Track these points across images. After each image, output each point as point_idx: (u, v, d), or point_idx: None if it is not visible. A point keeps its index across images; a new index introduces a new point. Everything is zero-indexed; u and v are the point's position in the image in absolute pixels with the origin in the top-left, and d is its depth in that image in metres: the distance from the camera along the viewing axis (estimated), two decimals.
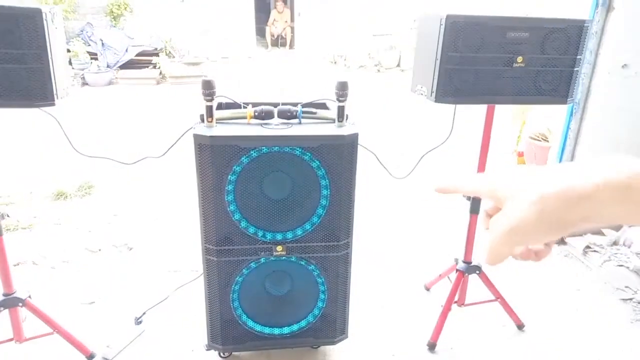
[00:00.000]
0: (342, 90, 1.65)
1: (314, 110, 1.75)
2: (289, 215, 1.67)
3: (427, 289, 2.42)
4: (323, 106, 1.89)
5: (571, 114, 2.68)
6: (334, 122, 1.68)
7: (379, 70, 9.74)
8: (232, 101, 1.90)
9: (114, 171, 3.95)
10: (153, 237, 2.91)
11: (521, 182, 0.42)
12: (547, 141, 3.29)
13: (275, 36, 11.92)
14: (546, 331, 2.12)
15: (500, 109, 3.35)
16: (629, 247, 2.63)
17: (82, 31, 8.51)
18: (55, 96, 1.51)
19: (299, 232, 1.69)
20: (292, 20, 11.38)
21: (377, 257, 2.72)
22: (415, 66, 1.86)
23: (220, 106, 1.93)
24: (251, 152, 1.56)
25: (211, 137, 1.53)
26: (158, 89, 7.81)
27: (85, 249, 2.77)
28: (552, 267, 2.62)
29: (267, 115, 1.69)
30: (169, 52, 8.75)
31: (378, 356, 1.95)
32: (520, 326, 2.12)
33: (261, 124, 1.66)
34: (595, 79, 2.61)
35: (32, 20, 1.40)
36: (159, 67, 8.16)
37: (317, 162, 1.61)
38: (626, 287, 2.41)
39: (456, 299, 2.11)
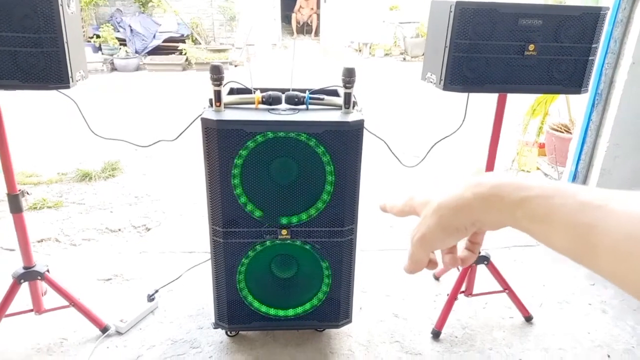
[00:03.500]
0: (348, 77, 1.65)
1: (321, 96, 1.76)
2: (294, 200, 1.70)
3: (437, 279, 2.42)
4: (334, 93, 1.90)
5: (593, 105, 2.61)
6: (342, 108, 1.69)
7: (404, 59, 9.61)
8: (243, 87, 1.93)
9: (138, 154, 4.07)
10: (171, 219, 2.99)
11: (427, 197, 0.50)
12: (570, 132, 3.21)
13: (301, 23, 11.90)
14: (555, 324, 2.09)
15: (522, 100, 3.28)
16: None
17: (111, 17, 8.69)
18: (70, 79, 1.56)
19: (303, 216, 1.72)
20: (318, 7, 11.31)
21: (388, 244, 2.73)
22: (426, 54, 1.84)
23: (232, 91, 1.97)
24: (257, 137, 1.59)
25: (218, 121, 1.56)
26: (184, 74, 7.93)
27: (106, 229, 2.88)
28: (567, 261, 2.57)
29: (275, 100, 1.71)
30: (195, 38, 8.86)
31: (381, 341, 1.97)
32: (528, 318, 2.10)
33: (268, 110, 1.68)
34: (620, 69, 2.52)
35: (48, 5, 1.45)
36: (185, 54, 8.28)
37: (322, 147, 1.63)
38: None
39: (464, 289, 2.10)
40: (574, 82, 1.71)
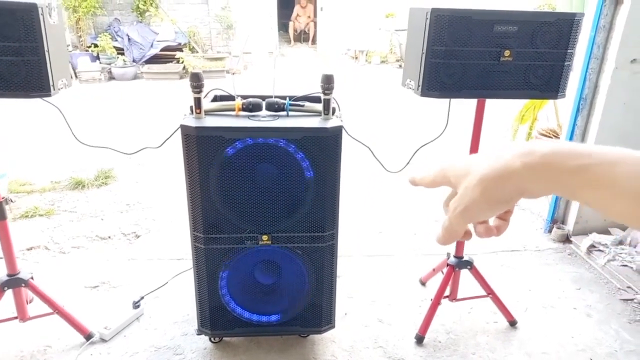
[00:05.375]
0: (327, 83, 1.67)
1: (302, 103, 1.78)
2: (274, 205, 1.71)
3: (423, 284, 2.42)
4: (318, 99, 1.92)
5: (578, 110, 2.62)
6: (321, 114, 1.71)
7: (400, 66, 9.66)
8: (227, 94, 1.96)
9: (131, 162, 4.09)
10: (161, 227, 3.00)
11: (465, 168, 0.48)
12: (559, 137, 3.22)
13: (299, 31, 11.98)
14: (539, 329, 2.09)
15: (512, 106, 3.30)
16: (634, 247, 2.56)
17: (109, 27, 8.76)
18: (52, 87, 1.59)
19: (284, 222, 1.73)
20: (315, 15, 11.39)
21: (373, 250, 2.74)
22: (405, 60, 1.86)
23: (215, 98, 1.99)
24: (236, 143, 1.60)
25: (197, 127, 1.58)
26: (181, 83, 7.98)
27: (96, 236, 2.89)
28: (554, 265, 2.58)
29: (255, 107, 1.73)
30: (193, 47, 8.92)
31: (364, 347, 1.97)
32: (512, 322, 2.10)
33: (249, 116, 1.70)
34: (604, 74, 2.54)
35: (29, 14, 1.48)
36: (183, 62, 8.33)
37: (302, 153, 1.64)
38: (628, 287, 2.35)
39: (448, 293, 2.11)
40: (550, 87, 1.73)
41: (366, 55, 9.96)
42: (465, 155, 0.50)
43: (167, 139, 1.96)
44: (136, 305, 2.11)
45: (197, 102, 1.65)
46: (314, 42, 11.53)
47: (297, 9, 11.78)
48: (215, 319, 1.86)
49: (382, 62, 9.88)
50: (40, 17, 1.50)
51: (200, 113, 1.66)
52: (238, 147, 1.61)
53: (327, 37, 10.95)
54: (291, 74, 8.89)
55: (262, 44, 9.17)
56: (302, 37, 12.07)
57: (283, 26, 11.76)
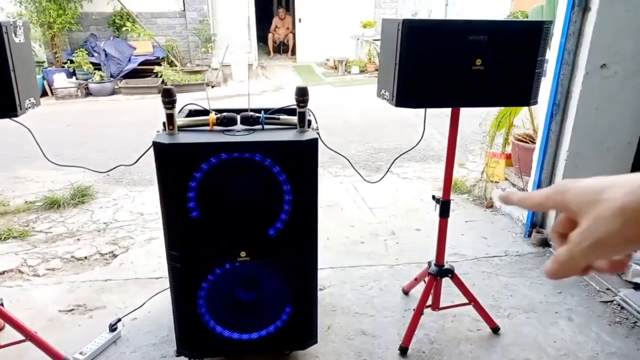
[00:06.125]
0: (301, 96, 1.66)
1: (277, 116, 1.77)
2: (252, 220, 1.68)
3: (406, 293, 2.41)
4: (294, 112, 1.91)
5: (551, 116, 2.66)
6: (297, 127, 1.70)
7: None
8: (201, 108, 1.94)
9: (109, 179, 4.02)
10: (139, 245, 2.94)
11: (593, 193, 0.41)
12: (535, 142, 3.26)
13: (278, 43, 12.01)
14: (522, 334, 2.10)
15: (488, 112, 3.34)
16: None
17: (85, 42, 8.66)
18: (18, 107, 1.54)
19: (262, 237, 1.70)
20: (293, 26, 11.45)
21: (356, 261, 2.72)
22: (380, 71, 1.87)
23: (190, 113, 1.97)
24: (211, 159, 1.58)
25: (170, 144, 1.56)
26: (159, 97, 7.89)
27: (72, 257, 2.81)
28: (535, 270, 2.60)
29: (230, 121, 1.71)
30: (171, 61, 8.86)
31: None
32: (495, 329, 2.10)
33: (223, 131, 1.68)
34: (575, 79, 2.59)
35: None
36: (161, 76, 8.27)
37: (278, 167, 1.63)
38: (607, 289, 2.38)
39: (431, 302, 2.10)
40: (523, 94, 1.75)
41: (345, 65, 10.02)
42: (586, 179, 0.43)
43: (141, 156, 1.93)
44: (113, 327, 2.05)
45: (170, 118, 1.63)
46: (293, 53, 11.57)
47: (275, 20, 11.83)
48: (194, 339, 1.81)
49: (362, 71, 9.94)
50: (5, 35, 1.47)
51: (173, 129, 1.64)
52: (213, 162, 1.59)
53: (306, 47, 11.00)
54: (268, 87, 8.90)
55: (241, 56, 9.15)
56: (282, 48, 12.11)
57: (262, 38, 11.78)
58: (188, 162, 1.57)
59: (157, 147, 1.56)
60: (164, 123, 1.66)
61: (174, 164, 1.58)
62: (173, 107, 1.63)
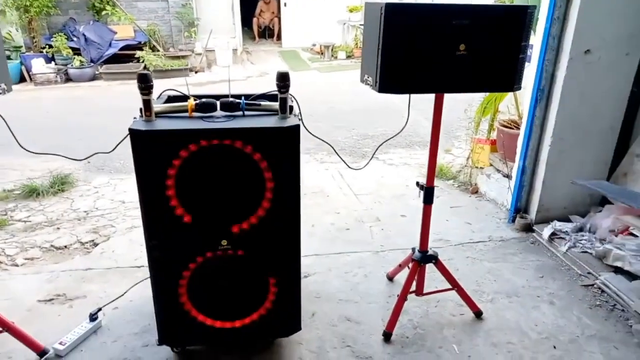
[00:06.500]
0: (282, 81, 1.63)
1: (258, 102, 1.73)
2: (233, 209, 1.66)
3: (390, 279, 2.42)
4: (275, 98, 1.87)
5: (535, 101, 2.66)
6: (278, 114, 1.66)
7: None
8: (180, 94, 1.88)
9: (90, 167, 3.94)
10: (120, 233, 2.90)
11: None
12: (519, 128, 3.27)
13: (263, 28, 11.83)
14: (504, 319, 2.12)
15: (473, 98, 3.33)
16: (593, 234, 2.62)
17: (64, 26, 8.42)
18: None
19: (244, 225, 1.67)
20: (278, 11, 11.28)
21: (341, 247, 2.72)
22: (363, 56, 1.83)
23: (169, 99, 1.92)
24: (189, 146, 1.54)
25: (147, 131, 1.51)
26: None
27: (51, 246, 2.76)
28: (518, 255, 2.62)
29: (209, 107, 1.67)
30: (153, 45, 8.68)
31: (332, 347, 1.95)
32: (478, 313, 2.12)
33: (202, 117, 1.64)
34: (560, 65, 2.58)
35: None
36: (143, 61, 8.10)
37: (259, 154, 1.59)
38: (589, 273, 2.41)
39: (414, 288, 2.10)
40: (507, 79, 1.73)
41: (332, 50, 9.93)
42: None
43: (119, 143, 1.87)
44: (93, 317, 2.02)
45: (147, 104, 1.58)
46: (279, 38, 11.42)
47: (260, 4, 11.61)
48: (176, 329, 1.79)
49: (348, 56, 9.86)
50: None
51: (150, 116, 1.59)
52: (191, 150, 1.55)
53: (292, 32, 10.86)
54: (252, 71, 8.78)
55: (225, 41, 9.00)
56: (267, 33, 11.93)
57: (247, 23, 11.58)
58: (166, 149, 1.53)
59: (134, 134, 1.52)
60: (140, 109, 1.61)
61: (151, 151, 1.54)
62: (150, 93, 1.58)
